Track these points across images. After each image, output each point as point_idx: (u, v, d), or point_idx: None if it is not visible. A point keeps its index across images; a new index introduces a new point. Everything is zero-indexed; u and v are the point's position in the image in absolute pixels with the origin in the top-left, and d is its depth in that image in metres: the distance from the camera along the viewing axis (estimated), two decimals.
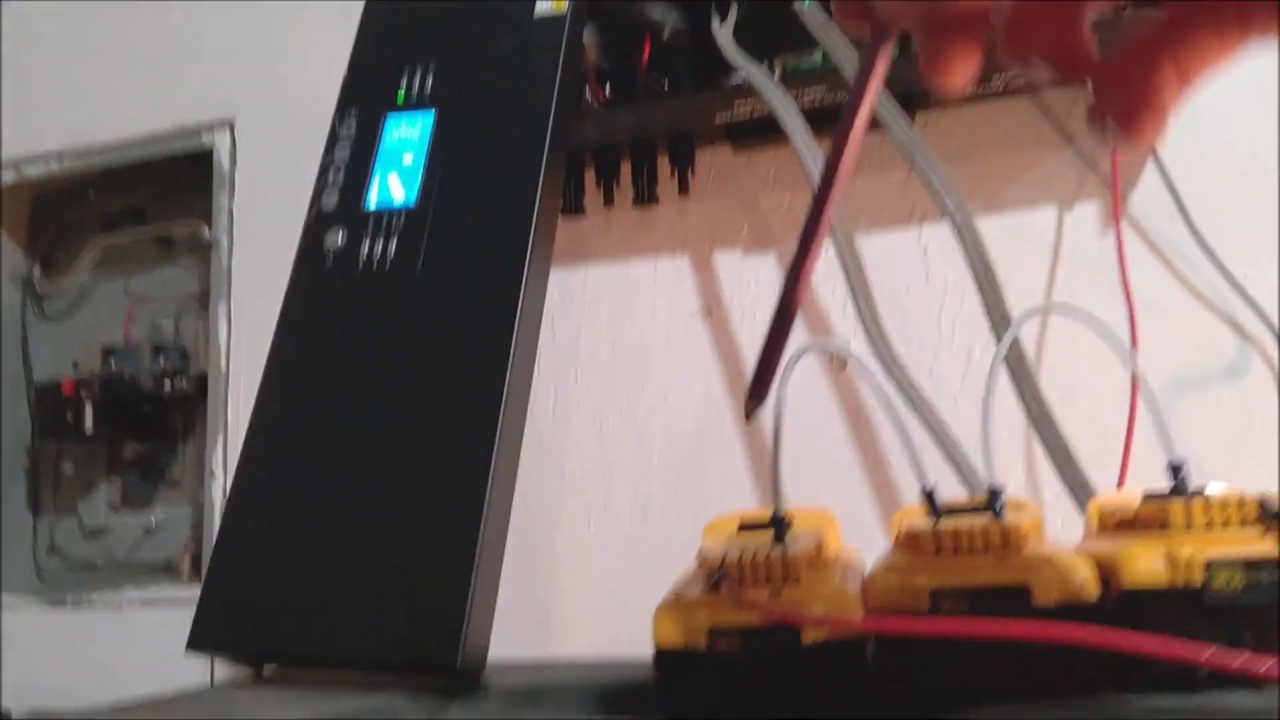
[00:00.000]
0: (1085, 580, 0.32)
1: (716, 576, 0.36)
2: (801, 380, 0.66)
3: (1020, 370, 0.51)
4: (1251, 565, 0.30)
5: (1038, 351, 0.61)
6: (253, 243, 0.82)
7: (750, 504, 0.66)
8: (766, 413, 0.67)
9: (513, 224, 0.50)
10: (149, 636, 0.80)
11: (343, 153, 0.57)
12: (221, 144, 0.81)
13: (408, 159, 0.55)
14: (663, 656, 0.35)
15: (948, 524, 0.36)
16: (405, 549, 0.44)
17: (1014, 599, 0.32)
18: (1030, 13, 0.25)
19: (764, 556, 0.36)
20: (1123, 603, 0.32)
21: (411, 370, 0.48)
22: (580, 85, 0.65)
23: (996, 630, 0.30)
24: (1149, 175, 0.61)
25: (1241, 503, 0.32)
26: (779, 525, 0.38)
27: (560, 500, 0.70)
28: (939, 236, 0.65)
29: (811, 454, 0.65)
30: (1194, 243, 0.59)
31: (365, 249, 0.53)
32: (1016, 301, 0.54)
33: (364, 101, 0.59)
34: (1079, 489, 0.48)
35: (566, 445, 0.71)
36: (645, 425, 0.69)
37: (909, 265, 0.66)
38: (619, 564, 0.68)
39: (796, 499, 0.66)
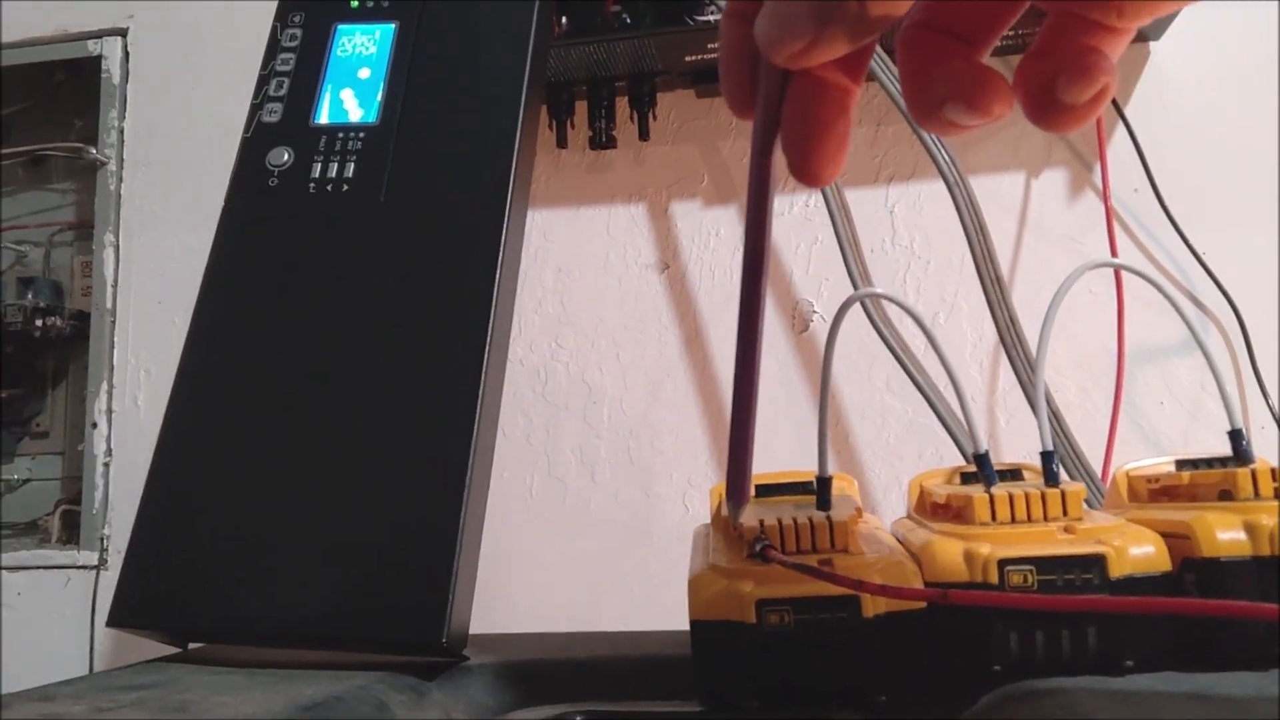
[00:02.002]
0: (1160, 550, 0.31)
1: (760, 543, 0.32)
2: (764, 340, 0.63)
3: (1011, 335, 0.50)
4: None
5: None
6: (145, 165, 0.73)
7: (705, 467, 0.63)
8: (727, 365, 0.64)
9: (494, 151, 0.45)
10: (10, 606, 0.71)
11: (285, 64, 0.50)
12: (112, 54, 0.72)
13: (364, 73, 0.49)
14: (704, 630, 0.32)
15: (1002, 490, 0.33)
16: (377, 514, 0.39)
17: (1086, 569, 0.31)
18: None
19: (808, 522, 0.33)
20: (1202, 572, 0.30)
21: (379, 305, 0.43)
22: (555, 6, 0.59)
23: (1085, 604, 0.28)
24: (1116, 146, 0.61)
25: None
26: (824, 487, 0.35)
27: (499, 462, 0.65)
28: (907, 197, 0.64)
29: (774, 412, 0.63)
30: (1157, 214, 0.60)
31: (317, 169, 0.46)
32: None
33: (310, 8, 0.52)
34: (1071, 458, 0.48)
35: (507, 403, 0.66)
36: (594, 383, 0.65)
37: (876, 224, 0.64)
38: (564, 530, 0.64)
39: (759, 459, 0.64)
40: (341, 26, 0.50)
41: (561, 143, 0.66)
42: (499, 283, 0.42)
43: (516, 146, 0.45)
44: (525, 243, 0.67)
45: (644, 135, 0.65)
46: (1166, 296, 0.34)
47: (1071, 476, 0.49)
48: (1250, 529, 0.30)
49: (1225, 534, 0.30)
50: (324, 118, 0.48)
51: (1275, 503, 0.31)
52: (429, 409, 0.41)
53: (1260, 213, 0.59)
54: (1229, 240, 0.59)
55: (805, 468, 0.63)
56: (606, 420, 0.65)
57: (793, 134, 0.24)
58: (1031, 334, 0.60)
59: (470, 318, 0.42)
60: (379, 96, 0.48)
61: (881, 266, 0.63)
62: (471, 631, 0.49)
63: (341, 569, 0.38)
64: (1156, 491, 0.37)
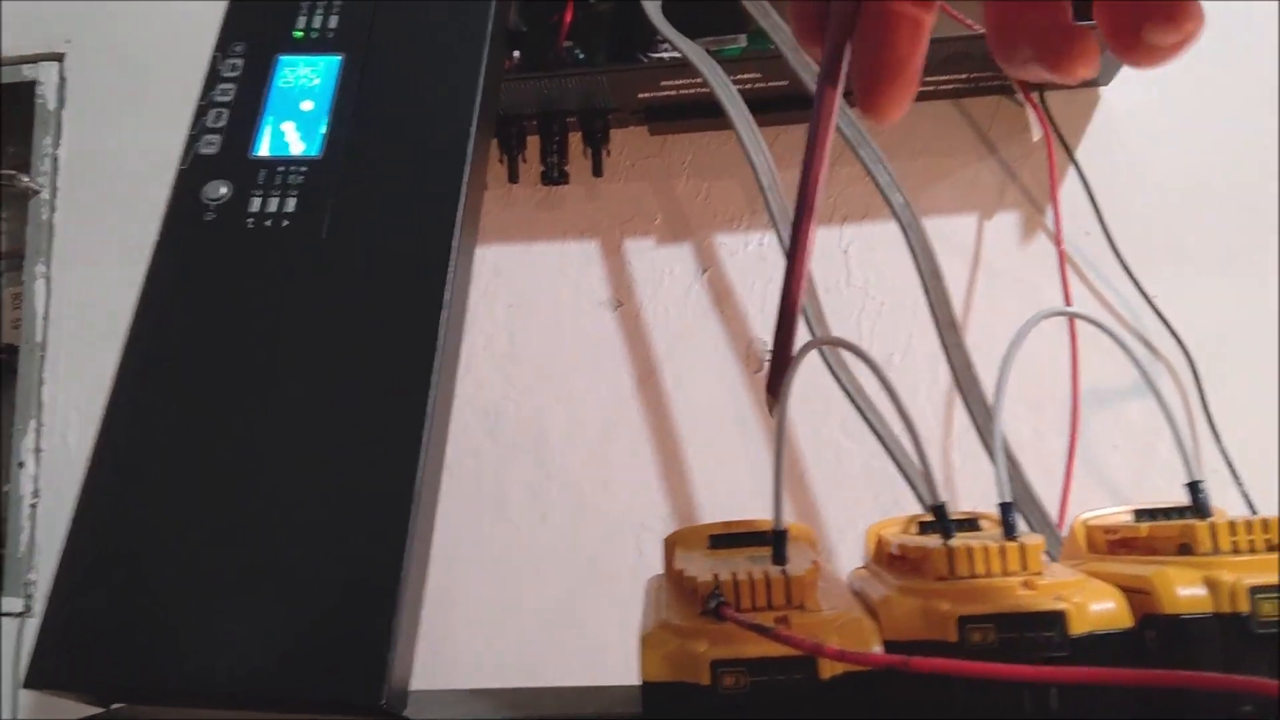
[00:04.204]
0: (1118, 607, 0.30)
1: (714, 601, 0.31)
2: (718, 380, 0.62)
3: (968, 377, 0.49)
4: None
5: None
6: (80, 195, 0.70)
7: (661, 509, 0.62)
8: (681, 404, 0.63)
9: (441, 187, 0.44)
10: None
11: (225, 95, 0.49)
12: (48, 79, 0.69)
13: (307, 106, 0.47)
14: (656, 692, 0.30)
15: (962, 543, 0.33)
16: (314, 566, 0.37)
17: (1048, 626, 0.30)
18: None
19: (764, 578, 0.32)
20: (1164, 630, 0.30)
21: (318, 346, 0.41)
22: (506, 40, 0.59)
23: (1048, 675, 0.27)
24: (1069, 189, 0.61)
25: (1267, 525, 0.31)
26: (779, 541, 0.34)
27: (447, 504, 0.63)
28: (861, 237, 0.63)
29: (728, 452, 0.62)
30: (1109, 257, 0.60)
31: (256, 203, 0.45)
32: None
33: (252, 38, 0.50)
34: (1028, 503, 0.47)
35: (455, 443, 0.64)
36: (546, 422, 0.64)
37: (831, 265, 0.63)
38: (513, 575, 0.62)
39: (712, 501, 0.63)
40: (284, 58, 0.49)
41: (513, 177, 0.65)
42: (444, 323, 0.41)
43: (465, 182, 0.44)
44: (475, 278, 0.66)
45: (597, 172, 0.64)
46: (1120, 343, 0.34)
47: (1029, 523, 0.48)
48: (1211, 585, 0.29)
49: (1186, 590, 0.30)
50: (264, 150, 0.46)
51: (1235, 557, 0.31)
52: (369, 457, 0.39)
53: (1210, 257, 0.60)
54: (1180, 284, 0.60)
55: (762, 510, 0.62)
56: (558, 461, 0.64)
57: (863, 65, 0.24)
58: (985, 378, 0.60)
59: (414, 360, 0.40)
60: (322, 130, 0.46)
61: (836, 307, 0.63)
62: (414, 688, 0.47)
63: (275, 625, 0.36)
64: (1115, 543, 0.36)
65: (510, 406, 0.64)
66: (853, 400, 0.50)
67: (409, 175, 0.45)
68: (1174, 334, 0.58)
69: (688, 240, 0.65)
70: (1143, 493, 0.58)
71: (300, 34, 0.50)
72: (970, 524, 0.37)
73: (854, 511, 0.60)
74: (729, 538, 0.38)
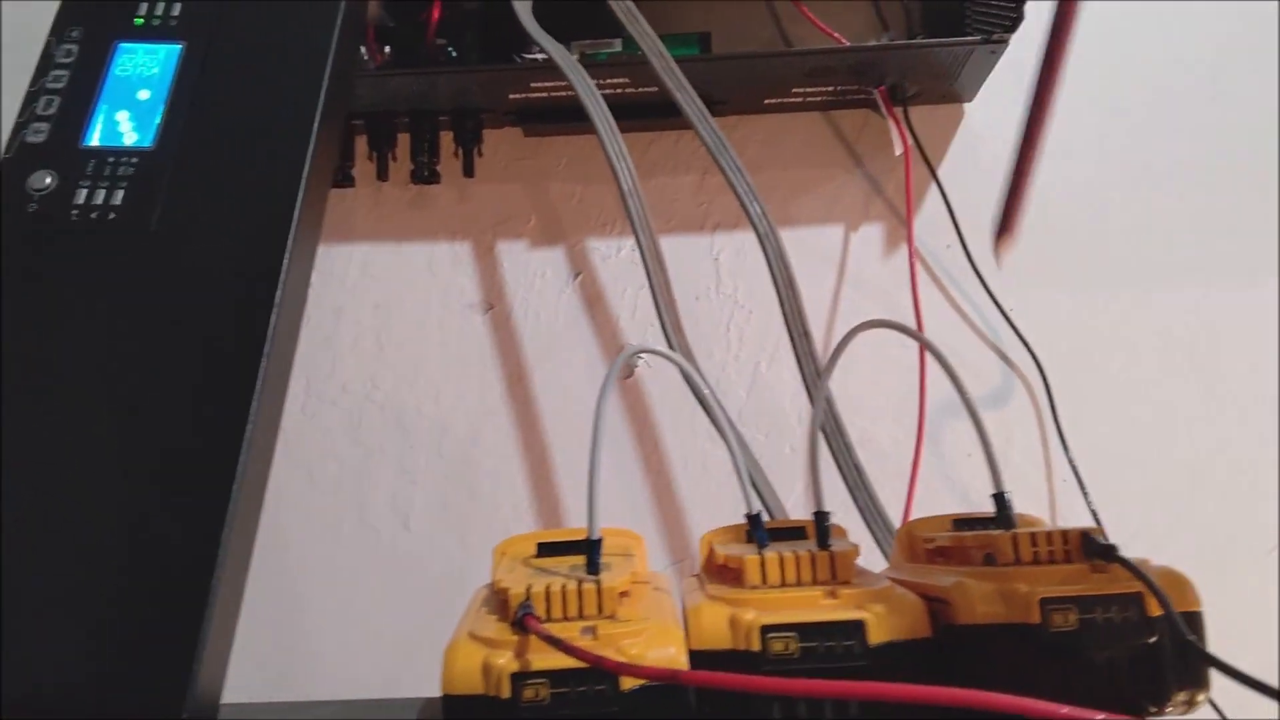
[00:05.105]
0: (919, 616, 0.31)
1: (520, 611, 0.31)
2: (586, 385, 0.62)
3: (817, 389, 0.50)
4: (1085, 604, 0.29)
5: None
6: None
7: (527, 516, 0.61)
8: (551, 411, 0.63)
9: (279, 181, 0.42)
10: None
11: (57, 81, 0.46)
12: None
13: (143, 95, 0.46)
14: (454, 705, 0.30)
15: (774, 553, 0.33)
16: (119, 574, 0.35)
17: (848, 635, 0.30)
18: None
19: (575, 587, 0.31)
20: (958, 640, 0.30)
21: (137, 343, 0.39)
22: (360, 36, 0.57)
23: (837, 690, 0.27)
24: (930, 203, 0.63)
25: (1066, 537, 0.32)
26: (593, 550, 0.33)
27: (307, 507, 0.62)
28: (731, 245, 0.64)
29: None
30: (968, 271, 0.61)
31: (83, 195, 0.43)
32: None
33: (89, 24, 0.48)
34: (870, 511, 0.48)
35: (318, 444, 0.63)
36: (411, 426, 0.63)
37: (701, 272, 0.64)
38: (374, 582, 0.61)
39: (580, 514, 0.62)
40: (123, 44, 0.47)
41: (382, 175, 0.63)
42: (274, 323, 0.40)
43: (304, 178, 0.43)
44: (342, 278, 0.65)
45: (468, 172, 0.63)
46: (937, 356, 0.35)
47: (872, 531, 0.49)
48: (1005, 596, 0.30)
49: (981, 600, 0.30)
50: (95, 140, 0.44)
51: (1035, 568, 0.31)
52: (185, 457, 0.37)
53: (1063, 273, 0.62)
54: (1035, 297, 0.61)
55: (627, 516, 0.62)
56: (423, 465, 0.62)
57: None
58: (842, 390, 0.61)
59: (239, 361, 0.39)
60: (158, 120, 0.45)
61: (705, 315, 0.63)
62: (247, 699, 0.45)
63: (75, 636, 0.35)
64: (932, 552, 0.37)
65: (375, 409, 0.63)
66: (704, 406, 0.50)
67: (246, 169, 0.43)
68: (1027, 346, 0.60)
69: (561, 244, 0.65)
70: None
71: (141, 20, 0.48)
72: (798, 533, 0.37)
73: (719, 519, 0.60)
74: (556, 546, 0.37)
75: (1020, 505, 0.61)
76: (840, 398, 0.60)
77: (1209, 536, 0.59)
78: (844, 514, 0.56)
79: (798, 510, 0.60)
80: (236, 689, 0.61)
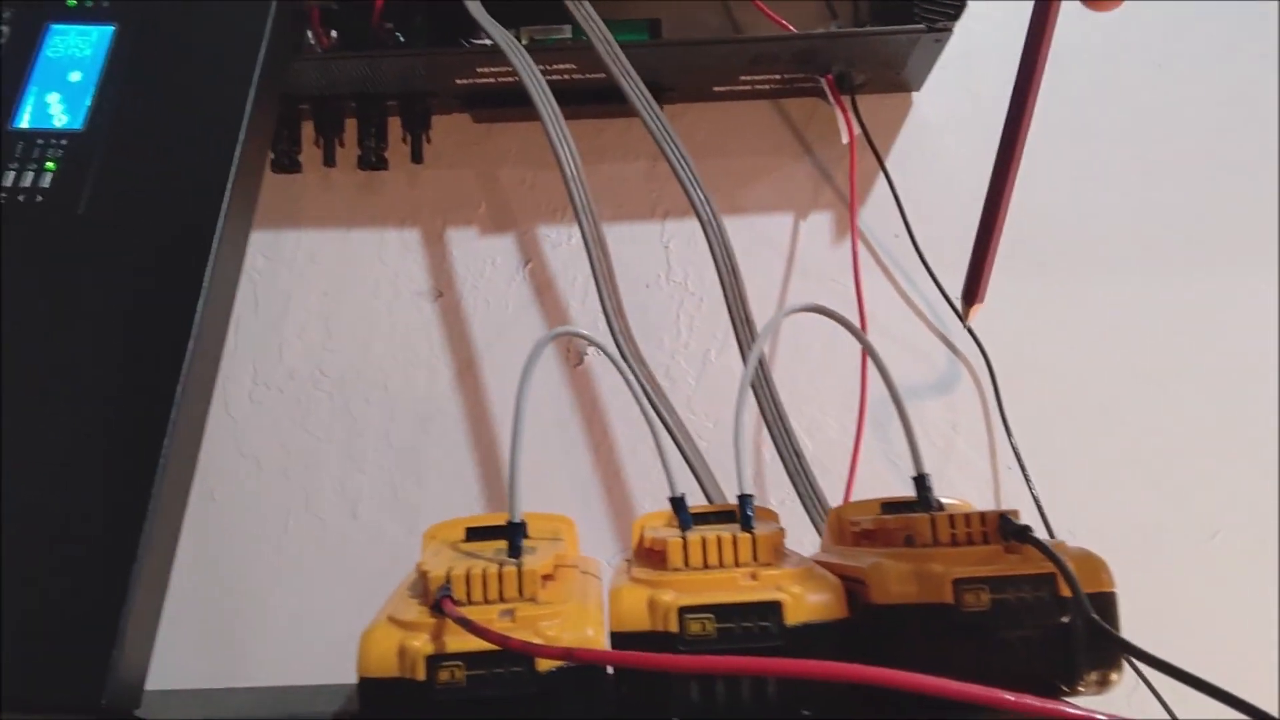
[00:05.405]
0: (836, 597, 0.31)
1: (439, 593, 0.31)
2: (539, 374, 0.62)
3: (759, 375, 0.50)
4: (998, 584, 0.29)
5: (769, 356, 0.61)
6: None
7: (476, 505, 0.61)
8: (500, 399, 0.63)
9: (209, 166, 0.42)
10: None
11: None
12: None
13: (75, 77, 0.45)
14: (370, 688, 0.30)
15: (696, 535, 0.33)
16: (41, 557, 0.35)
17: (764, 616, 0.30)
18: None
19: (496, 570, 0.31)
20: (874, 620, 0.30)
21: (63, 326, 0.39)
22: (298, 20, 0.57)
23: (744, 666, 0.27)
24: (878, 192, 0.63)
25: (984, 518, 0.32)
26: (516, 533, 0.33)
27: (255, 495, 0.62)
28: (682, 233, 0.64)
29: (546, 452, 0.61)
30: (914, 260, 0.62)
31: (10, 177, 0.42)
32: (750, 305, 0.53)
33: (21, 4, 0.48)
34: (810, 497, 0.48)
35: (264, 432, 0.62)
36: (359, 414, 0.62)
37: (651, 260, 0.64)
38: (320, 571, 0.60)
39: (530, 502, 0.62)
40: (55, 26, 0.46)
41: (329, 161, 0.63)
42: (203, 304, 0.39)
43: (235, 161, 0.42)
44: (290, 265, 0.64)
45: (417, 158, 0.63)
46: (861, 340, 0.35)
47: (811, 516, 0.49)
48: (921, 576, 0.30)
49: (897, 581, 0.30)
50: (24, 122, 0.44)
51: (952, 549, 0.32)
52: (109, 442, 0.37)
53: (1009, 263, 0.62)
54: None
55: (574, 504, 0.62)
56: (371, 454, 0.62)
57: None
58: (788, 376, 0.61)
59: (165, 346, 0.38)
60: (88, 102, 0.44)
61: (656, 302, 0.63)
62: (188, 685, 0.45)
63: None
64: (859, 535, 0.37)
65: (323, 397, 0.63)
66: (642, 392, 0.50)
67: (177, 152, 0.43)
68: (973, 335, 0.60)
69: (511, 231, 0.64)
70: (939, 487, 0.60)
71: (74, 2, 0.47)
72: (726, 517, 0.37)
73: (640, 502, 0.61)
74: (485, 530, 0.37)
75: (966, 492, 0.61)
76: (789, 387, 0.61)
77: (1151, 523, 0.60)
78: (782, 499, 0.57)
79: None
80: (182, 677, 0.61)
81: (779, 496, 0.60)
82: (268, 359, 0.63)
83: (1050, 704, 0.20)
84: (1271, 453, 0.60)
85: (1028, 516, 0.59)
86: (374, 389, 0.63)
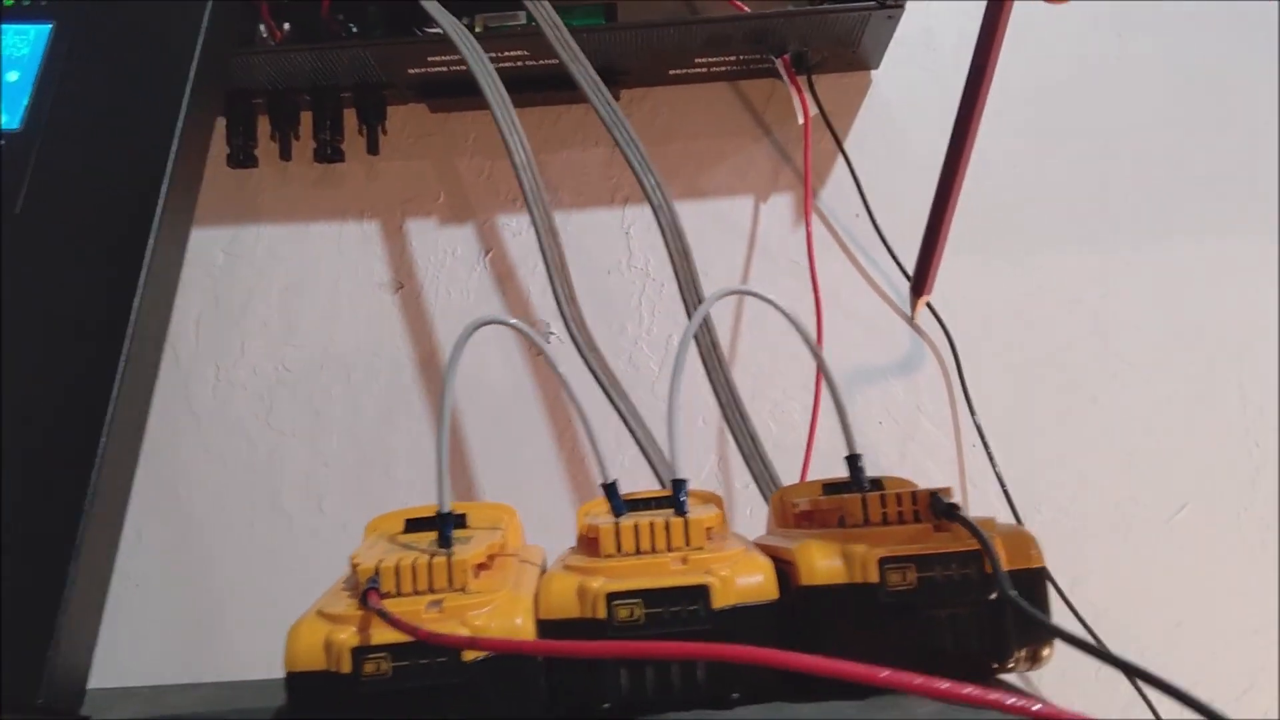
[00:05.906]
0: (764, 579, 0.31)
1: (366, 585, 0.31)
2: (498, 362, 0.62)
3: (713, 358, 0.50)
4: (924, 562, 0.29)
5: (732, 341, 0.61)
6: None
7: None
8: (464, 389, 0.62)
9: (145, 165, 0.42)
10: None
11: None
12: None
13: (12, 76, 0.45)
14: (297, 681, 0.30)
15: (629, 521, 0.33)
16: None
17: (692, 600, 0.30)
18: None
19: (425, 562, 0.31)
20: (801, 601, 0.30)
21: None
22: (241, 14, 0.56)
23: (660, 651, 0.27)
24: (839, 172, 0.63)
25: (915, 497, 0.32)
26: (445, 524, 0.33)
27: (219, 493, 0.61)
28: (642, 219, 0.63)
29: (505, 442, 0.61)
30: (876, 240, 0.61)
31: None
32: (712, 288, 0.52)
33: None
34: (764, 480, 0.48)
35: (228, 427, 0.62)
36: (323, 407, 0.62)
37: (612, 246, 0.63)
38: (287, 566, 0.60)
39: (489, 492, 0.62)
40: None
41: (285, 155, 0.62)
42: (139, 303, 0.39)
43: (171, 159, 0.42)
44: (249, 260, 0.64)
45: (373, 150, 0.63)
46: (790, 319, 0.34)
47: (766, 499, 0.49)
48: (847, 556, 0.30)
49: (823, 562, 0.30)
50: None
51: (881, 528, 0.32)
52: (47, 439, 0.37)
53: (970, 241, 0.62)
54: (943, 266, 0.61)
55: (536, 492, 0.62)
56: (336, 447, 0.62)
57: None
58: (750, 361, 0.61)
59: (100, 346, 0.38)
60: (25, 101, 0.44)
61: (618, 289, 0.63)
62: (157, 682, 0.45)
63: None
64: (799, 516, 0.37)
65: (285, 391, 0.62)
66: (597, 379, 0.50)
67: (114, 149, 0.43)
68: (935, 314, 0.60)
69: (470, 221, 0.64)
70: (904, 466, 0.60)
71: (11, 1, 0.47)
72: (667, 502, 0.37)
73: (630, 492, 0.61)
74: (424, 521, 0.37)
75: (930, 471, 0.61)
76: (752, 371, 0.61)
77: (1113, 502, 0.60)
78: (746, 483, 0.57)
79: (710, 484, 0.61)
80: (147, 673, 0.61)
81: (744, 480, 0.60)
82: (230, 355, 0.63)
83: (939, 683, 0.19)
84: (1238, 426, 0.60)
85: (993, 494, 0.59)
86: (337, 382, 0.63)
